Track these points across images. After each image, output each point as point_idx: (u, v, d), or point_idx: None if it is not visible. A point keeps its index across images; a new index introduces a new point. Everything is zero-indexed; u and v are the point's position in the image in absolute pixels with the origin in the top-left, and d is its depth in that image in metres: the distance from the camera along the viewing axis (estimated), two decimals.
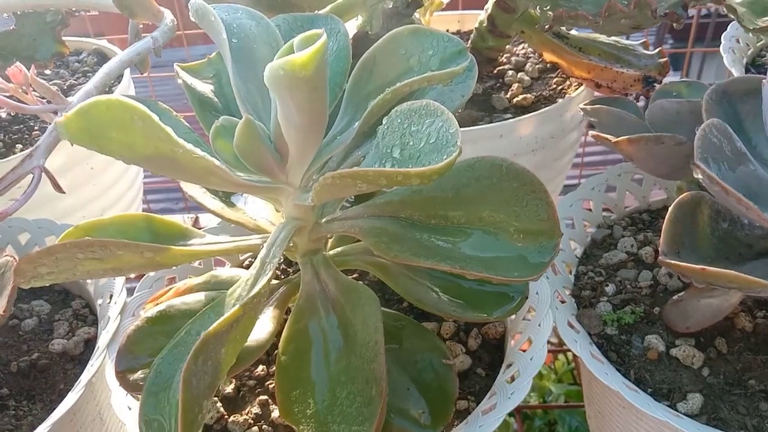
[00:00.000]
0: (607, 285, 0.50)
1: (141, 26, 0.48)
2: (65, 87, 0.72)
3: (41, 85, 0.34)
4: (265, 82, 0.32)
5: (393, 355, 0.41)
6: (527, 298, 0.42)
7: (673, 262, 0.35)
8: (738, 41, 0.69)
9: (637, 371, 0.44)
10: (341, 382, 0.35)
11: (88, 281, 0.54)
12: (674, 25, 0.45)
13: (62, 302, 0.55)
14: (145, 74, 0.73)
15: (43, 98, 0.36)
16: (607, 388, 0.42)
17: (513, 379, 0.41)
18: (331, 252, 0.44)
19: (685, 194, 0.38)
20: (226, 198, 0.48)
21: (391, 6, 0.57)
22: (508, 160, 0.35)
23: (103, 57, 0.78)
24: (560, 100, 0.60)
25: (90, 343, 0.51)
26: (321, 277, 0.40)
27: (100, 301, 0.52)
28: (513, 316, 0.47)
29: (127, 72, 0.72)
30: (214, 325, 0.29)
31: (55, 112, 0.35)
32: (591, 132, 0.46)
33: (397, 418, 0.38)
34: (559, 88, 0.64)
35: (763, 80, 0.36)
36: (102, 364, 0.46)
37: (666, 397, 0.42)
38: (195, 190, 0.47)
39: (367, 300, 0.37)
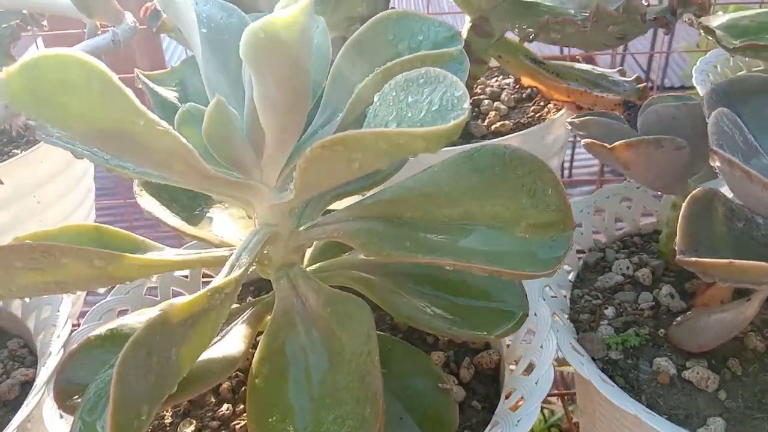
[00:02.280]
0: (606, 308, 0.46)
1: (99, 30, 0.44)
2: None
3: None
4: (241, 54, 0.28)
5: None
6: (527, 315, 0.38)
7: (694, 259, 0.32)
8: (709, 76, 0.69)
9: (648, 397, 0.40)
10: (326, 405, 0.30)
11: (28, 317, 0.48)
12: (663, 31, 0.43)
13: None
14: None
15: None
16: (617, 415, 0.38)
17: (516, 407, 0.36)
18: (309, 268, 0.39)
19: (697, 190, 0.35)
20: (188, 213, 0.43)
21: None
22: (512, 147, 0.32)
23: None
24: (542, 123, 0.58)
25: (27, 386, 0.44)
26: (299, 290, 0.35)
27: (41, 336, 0.45)
28: (509, 344, 0.43)
29: None
30: (162, 312, 0.24)
31: None
32: (584, 141, 0.43)
33: None
34: (537, 115, 0.62)
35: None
36: (39, 403, 0.39)
37: (683, 423, 0.38)
38: (153, 205, 0.42)
39: (354, 309, 0.32)
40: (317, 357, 0.32)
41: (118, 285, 0.45)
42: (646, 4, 0.49)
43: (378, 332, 0.40)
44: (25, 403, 0.39)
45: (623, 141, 0.41)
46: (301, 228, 0.37)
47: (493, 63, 0.68)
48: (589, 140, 0.43)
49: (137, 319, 0.36)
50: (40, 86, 0.25)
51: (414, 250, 0.30)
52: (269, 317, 0.37)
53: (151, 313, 0.37)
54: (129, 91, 0.26)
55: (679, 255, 0.33)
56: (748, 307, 0.39)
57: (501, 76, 0.70)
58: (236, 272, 0.30)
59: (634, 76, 0.61)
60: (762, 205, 0.32)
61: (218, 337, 0.35)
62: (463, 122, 0.25)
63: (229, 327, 0.36)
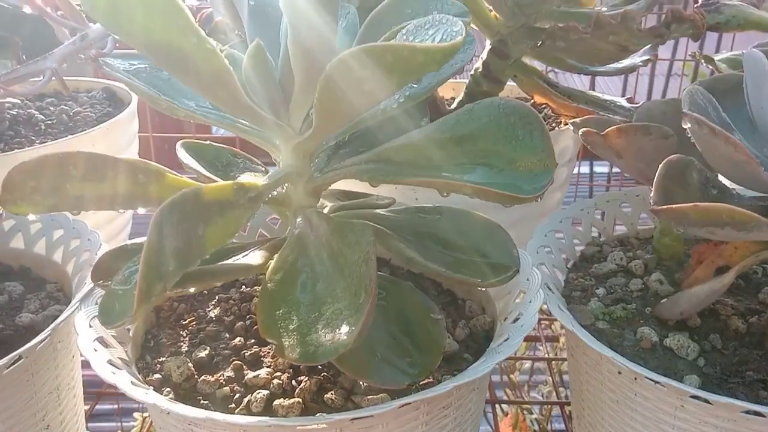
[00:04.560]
0: (598, 288, 0.49)
1: None
2: (71, 113, 0.75)
3: (67, 4, 0.36)
4: (280, 4, 0.34)
5: (379, 309, 0.39)
6: (518, 271, 0.42)
7: (666, 206, 0.36)
8: None
9: (630, 358, 0.42)
10: (327, 303, 0.34)
11: (67, 263, 0.53)
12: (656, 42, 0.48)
13: (36, 287, 0.53)
14: None
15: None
16: (600, 367, 0.41)
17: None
18: (324, 211, 0.44)
19: (672, 156, 0.39)
20: (222, 174, 0.48)
21: None
22: (505, 98, 0.37)
23: (112, 94, 0.81)
24: (552, 132, 0.63)
25: None
26: (313, 222, 0.40)
27: (78, 276, 0.50)
28: (503, 305, 0.46)
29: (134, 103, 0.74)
30: (195, 188, 0.29)
31: (74, 32, 0.37)
32: (581, 130, 0.48)
33: (382, 364, 0.36)
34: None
35: (743, 52, 0.39)
36: (69, 325, 0.43)
37: None
38: (192, 162, 0.48)
39: (359, 227, 0.36)
40: (323, 268, 0.36)
41: None
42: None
43: (382, 273, 0.44)
44: (63, 313, 0.43)
45: (614, 127, 0.45)
46: (318, 174, 0.42)
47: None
48: (585, 128, 0.48)
49: None
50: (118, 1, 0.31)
51: (415, 174, 0.35)
52: None
53: None
54: (188, 12, 0.32)
55: (653, 206, 0.37)
56: (725, 276, 0.42)
57: (519, 87, 0.76)
58: (261, 181, 0.34)
59: (642, 103, 0.66)
60: (727, 162, 0.36)
61: (240, 255, 0.39)
62: (458, 45, 0.30)
63: (250, 251, 0.40)
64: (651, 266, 0.52)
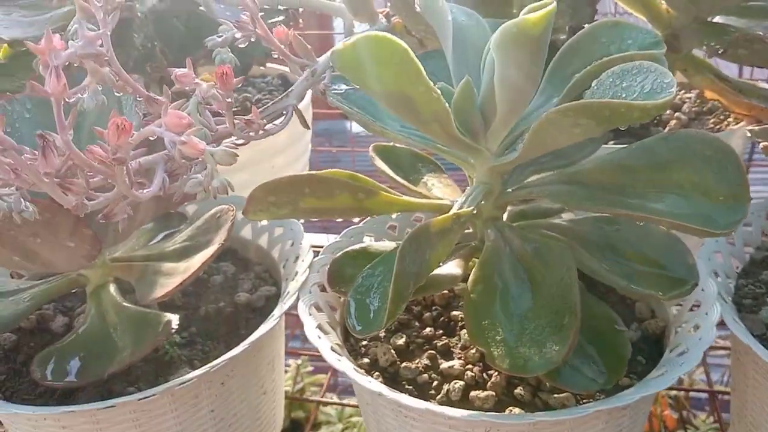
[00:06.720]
0: None
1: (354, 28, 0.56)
2: (254, 100, 0.82)
3: (299, 42, 0.42)
4: (493, 44, 0.38)
5: None
6: (697, 284, 0.44)
7: None
8: None
9: None
10: (528, 318, 0.38)
11: (273, 249, 0.61)
12: None
13: (245, 267, 0.62)
14: None
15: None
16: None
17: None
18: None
19: None
20: (407, 177, 0.54)
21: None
22: (702, 131, 0.39)
23: (285, 80, 0.88)
24: (722, 132, 0.63)
25: (270, 300, 0.57)
26: (505, 235, 0.44)
27: (284, 263, 0.58)
28: (675, 312, 0.49)
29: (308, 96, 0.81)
30: (425, 223, 0.34)
31: (304, 67, 0.43)
32: (762, 144, 0.49)
33: (573, 372, 0.41)
34: (716, 127, 0.66)
35: None
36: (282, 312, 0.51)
37: None
38: (383, 166, 0.53)
39: (558, 250, 0.40)
40: (520, 284, 0.41)
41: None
42: None
43: None
44: (281, 300, 0.51)
45: None
46: (510, 189, 0.46)
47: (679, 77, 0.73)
48: (765, 144, 0.48)
49: (381, 244, 0.47)
50: (359, 57, 0.36)
51: (611, 203, 0.38)
52: (475, 259, 0.46)
53: (388, 243, 0.47)
54: (419, 64, 0.36)
55: None
56: None
57: (683, 91, 0.75)
58: (467, 208, 0.39)
59: None
60: None
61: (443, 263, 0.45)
62: (670, 101, 0.33)
63: (448, 259, 0.46)
64: None
